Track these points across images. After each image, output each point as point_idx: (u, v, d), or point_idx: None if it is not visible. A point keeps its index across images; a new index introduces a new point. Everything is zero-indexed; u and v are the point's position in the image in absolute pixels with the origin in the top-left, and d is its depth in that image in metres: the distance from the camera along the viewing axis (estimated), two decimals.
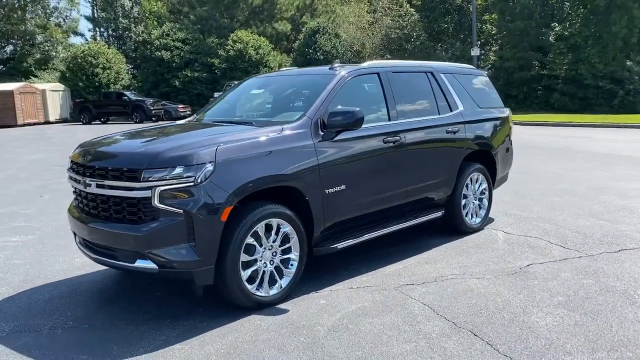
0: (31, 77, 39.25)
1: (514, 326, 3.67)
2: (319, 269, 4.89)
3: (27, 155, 16.19)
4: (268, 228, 4.05)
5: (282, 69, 6.36)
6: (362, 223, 4.88)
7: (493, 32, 38.62)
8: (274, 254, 4.12)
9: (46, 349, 3.54)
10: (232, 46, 38.95)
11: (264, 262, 4.06)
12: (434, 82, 5.70)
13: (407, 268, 4.93)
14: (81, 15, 48.22)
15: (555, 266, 4.88)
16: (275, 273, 4.14)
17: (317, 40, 38.94)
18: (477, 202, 6.13)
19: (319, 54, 38.49)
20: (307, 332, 3.66)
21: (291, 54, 42.25)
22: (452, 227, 5.95)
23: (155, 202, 3.62)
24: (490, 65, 35.29)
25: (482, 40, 38.66)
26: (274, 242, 4.10)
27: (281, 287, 4.16)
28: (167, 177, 3.62)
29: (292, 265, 4.24)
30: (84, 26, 55.25)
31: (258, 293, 4.01)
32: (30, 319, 4.03)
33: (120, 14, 45.15)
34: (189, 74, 38.99)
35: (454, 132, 5.67)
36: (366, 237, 4.80)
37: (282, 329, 3.72)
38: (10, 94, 33.61)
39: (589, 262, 4.96)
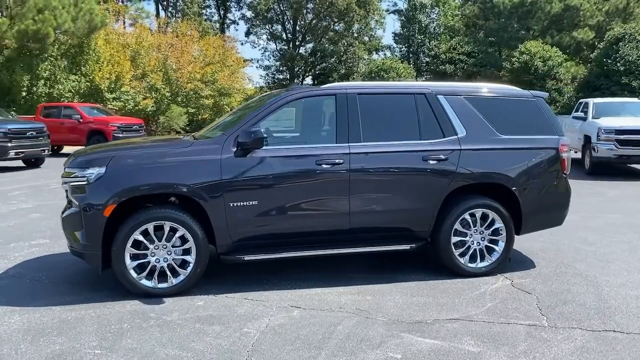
0: None
1: None
2: (252, 276, 5.20)
3: None
4: (162, 229, 4.66)
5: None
6: (288, 241, 4.99)
7: None
8: (169, 252, 4.71)
9: (1, 288, 4.96)
10: (517, 58, 37.28)
11: (157, 258, 4.69)
12: (423, 106, 5.23)
13: (325, 294, 4.82)
14: (392, 33, 52.38)
15: (475, 327, 4.12)
16: (168, 270, 4.71)
17: (619, 49, 34.14)
18: (484, 243, 5.33)
19: (619, 64, 33.72)
20: (138, 322, 4.19)
21: (588, 65, 38.00)
22: (441, 265, 5.37)
23: (69, 194, 4.67)
24: None
25: None
26: (167, 242, 4.68)
27: (172, 283, 4.71)
28: (77, 176, 4.63)
29: (189, 266, 4.74)
30: (388, 41, 59.90)
31: (144, 283, 4.67)
32: (31, 270, 5.54)
33: (417, 31, 47.72)
34: None
35: (438, 160, 5.11)
36: (281, 255, 4.91)
37: (129, 315, 4.33)
38: None
39: (524, 332, 4.02)
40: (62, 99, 23.30)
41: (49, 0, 20.85)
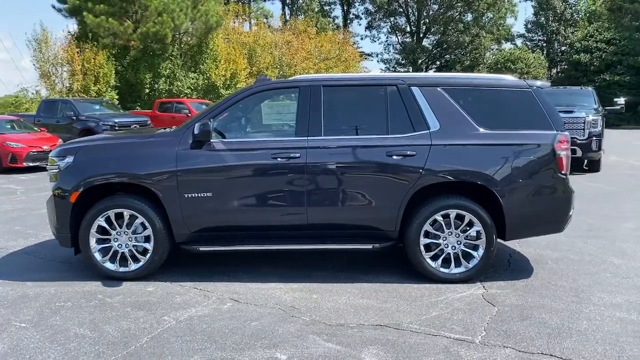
0: None
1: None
2: (219, 267, 5.29)
3: None
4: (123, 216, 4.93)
5: None
6: (245, 234, 5.00)
7: None
8: (130, 239, 4.96)
9: (8, 262, 5.61)
10: None
11: (119, 244, 4.97)
12: (394, 98, 4.91)
13: (275, 289, 4.76)
14: (524, 21, 48.98)
15: (394, 336, 3.82)
16: (129, 256, 4.97)
17: None
18: (460, 247, 4.89)
19: None
20: (82, 302, 4.50)
21: None
22: (413, 268, 5.04)
23: (50, 180, 5.13)
24: None
25: None
26: (128, 229, 4.94)
27: (131, 268, 4.96)
28: (55, 163, 5.06)
29: (148, 253, 4.96)
30: (520, 30, 55.08)
31: (107, 266, 4.97)
32: (44, 249, 6.14)
33: (551, 18, 44.18)
34: (608, 78, 35.24)
35: (404, 156, 4.78)
36: (235, 247, 4.94)
37: (79, 295, 4.66)
38: None
39: (442, 346, 3.65)
40: (181, 95, 25.23)
41: (168, 4, 22.63)
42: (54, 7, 24.44)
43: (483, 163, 4.80)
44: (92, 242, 4.94)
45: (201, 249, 4.93)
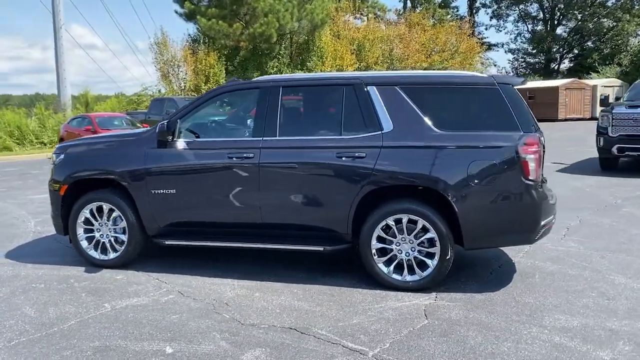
0: (591, 72, 39.43)
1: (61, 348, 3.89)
2: (193, 260, 5.56)
3: None
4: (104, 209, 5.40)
5: None
6: (209, 230, 5.19)
7: None
8: (110, 230, 5.42)
9: (34, 246, 6.38)
10: None
11: (101, 234, 5.44)
12: (350, 98, 4.76)
13: (224, 286, 4.90)
14: None
15: (287, 339, 3.79)
16: (108, 245, 5.43)
17: None
18: (414, 254, 4.64)
19: None
20: (53, 284, 5.01)
21: None
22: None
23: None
24: None
25: None
26: (107, 220, 5.40)
27: (110, 257, 5.41)
28: (53, 159, 5.68)
29: (124, 244, 5.38)
30: None
31: (91, 253, 5.46)
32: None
33: None
34: None
35: (353, 157, 4.65)
36: (196, 243, 5.16)
37: (57, 278, 5.19)
38: (555, 90, 35.59)
39: (327, 355, 3.55)
40: None
41: (274, 5, 23.53)
42: (176, 12, 26.59)
43: (435, 166, 4.50)
44: (80, 231, 5.46)
45: (167, 242, 5.22)
